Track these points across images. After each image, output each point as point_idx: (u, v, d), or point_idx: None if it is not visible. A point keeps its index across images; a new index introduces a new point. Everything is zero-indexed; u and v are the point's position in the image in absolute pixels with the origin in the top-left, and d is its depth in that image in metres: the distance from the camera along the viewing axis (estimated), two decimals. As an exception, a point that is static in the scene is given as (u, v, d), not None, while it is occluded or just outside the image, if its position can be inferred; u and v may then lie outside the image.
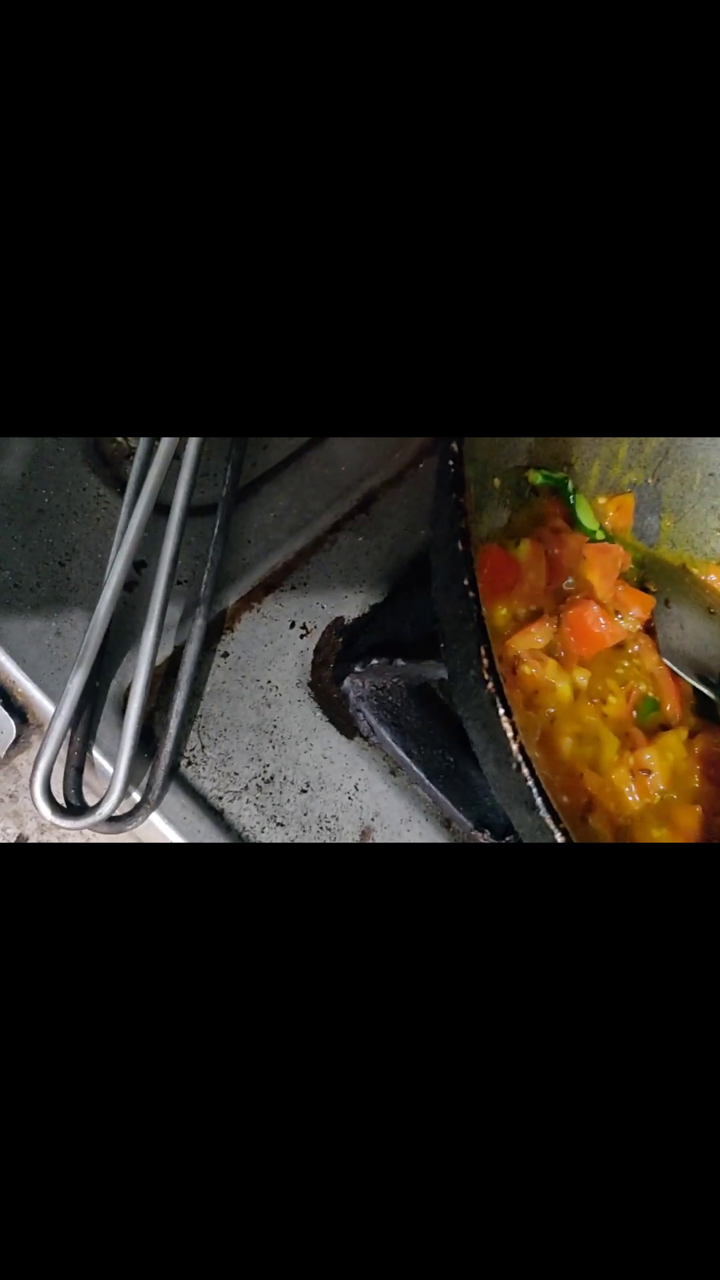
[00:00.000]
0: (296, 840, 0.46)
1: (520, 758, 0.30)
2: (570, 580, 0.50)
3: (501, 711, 0.31)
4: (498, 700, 0.30)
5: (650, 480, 0.57)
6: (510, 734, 0.30)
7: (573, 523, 0.53)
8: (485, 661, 0.31)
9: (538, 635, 0.47)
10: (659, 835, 0.46)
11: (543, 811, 0.31)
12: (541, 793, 0.30)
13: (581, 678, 0.48)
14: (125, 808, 0.44)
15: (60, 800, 0.43)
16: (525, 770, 0.30)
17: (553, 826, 0.30)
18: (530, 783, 0.30)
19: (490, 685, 0.31)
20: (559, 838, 0.31)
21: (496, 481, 0.50)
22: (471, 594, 0.31)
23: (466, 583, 0.31)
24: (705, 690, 0.51)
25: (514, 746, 0.30)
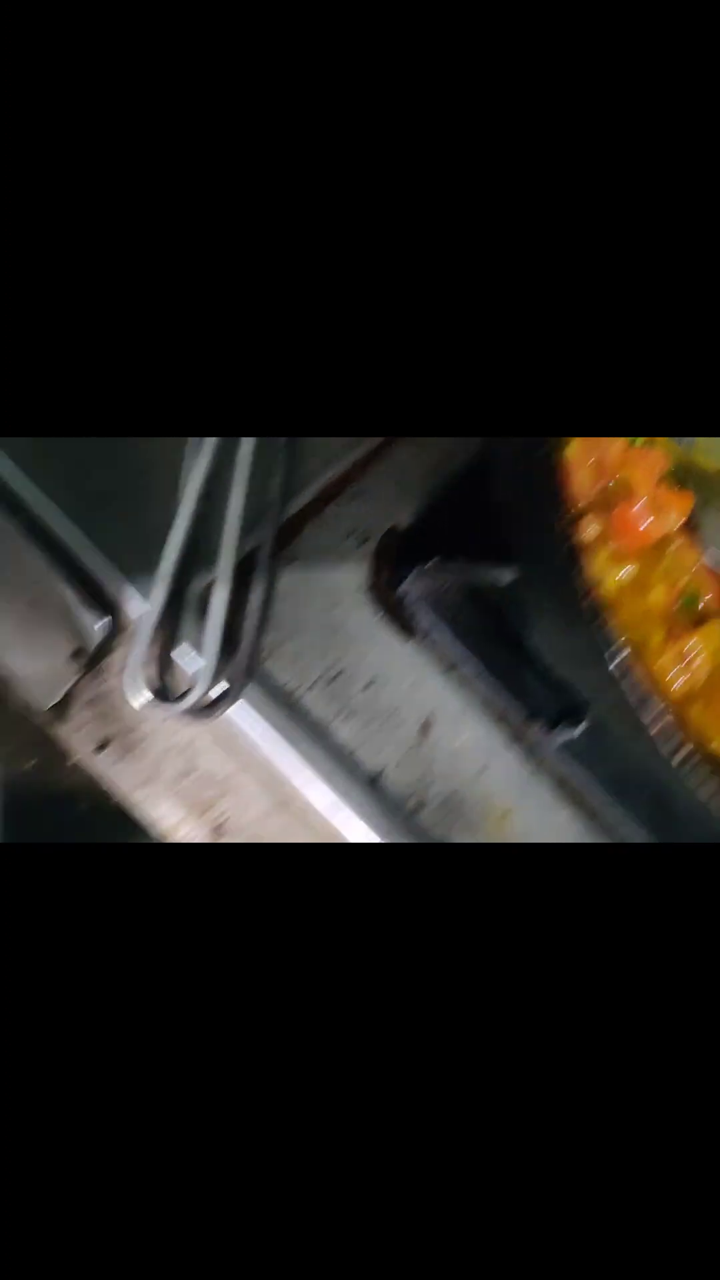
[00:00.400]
0: (366, 728, 0.50)
1: (592, 611, 0.34)
2: (615, 481, 0.53)
3: (578, 568, 0.34)
4: (575, 555, 0.33)
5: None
6: (584, 591, 0.34)
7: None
8: (566, 516, 0.34)
9: (587, 530, 0.50)
10: (699, 712, 0.49)
11: (612, 663, 0.34)
12: (611, 642, 0.34)
13: (625, 572, 0.51)
14: (208, 699, 0.47)
15: (150, 692, 0.46)
16: (598, 620, 0.34)
17: (619, 675, 0.34)
18: (600, 633, 0.34)
19: (568, 543, 0.34)
20: (633, 691, 0.34)
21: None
22: (551, 458, 0.35)
23: (545, 450, 0.34)
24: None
25: (587, 602, 0.34)
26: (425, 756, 0.52)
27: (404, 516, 0.54)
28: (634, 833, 0.50)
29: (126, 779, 0.52)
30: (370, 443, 0.54)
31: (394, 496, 0.54)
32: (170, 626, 0.47)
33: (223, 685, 0.47)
